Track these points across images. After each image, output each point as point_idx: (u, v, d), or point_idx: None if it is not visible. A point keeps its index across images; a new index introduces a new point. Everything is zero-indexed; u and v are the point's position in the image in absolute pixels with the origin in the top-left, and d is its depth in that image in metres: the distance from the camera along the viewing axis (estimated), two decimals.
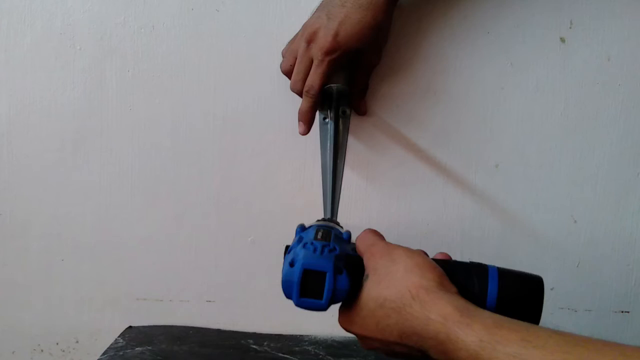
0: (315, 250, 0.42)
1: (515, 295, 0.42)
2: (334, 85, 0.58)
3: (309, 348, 0.63)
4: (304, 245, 0.44)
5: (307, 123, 0.57)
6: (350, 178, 0.64)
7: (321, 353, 0.62)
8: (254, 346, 0.64)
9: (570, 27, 0.61)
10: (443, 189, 0.64)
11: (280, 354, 0.62)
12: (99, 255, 0.68)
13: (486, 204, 0.64)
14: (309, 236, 0.46)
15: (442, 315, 0.35)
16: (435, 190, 0.64)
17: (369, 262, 0.43)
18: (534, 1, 0.61)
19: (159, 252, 0.68)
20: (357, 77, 0.59)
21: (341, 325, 0.45)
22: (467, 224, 0.65)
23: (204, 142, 0.65)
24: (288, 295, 0.42)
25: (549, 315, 0.65)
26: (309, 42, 0.54)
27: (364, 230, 0.48)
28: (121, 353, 0.61)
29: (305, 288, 0.41)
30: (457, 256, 0.65)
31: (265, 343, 0.65)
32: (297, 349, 0.63)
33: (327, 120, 0.61)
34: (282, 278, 0.42)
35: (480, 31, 0.61)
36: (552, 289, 0.65)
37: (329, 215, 0.64)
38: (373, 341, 0.41)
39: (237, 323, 0.69)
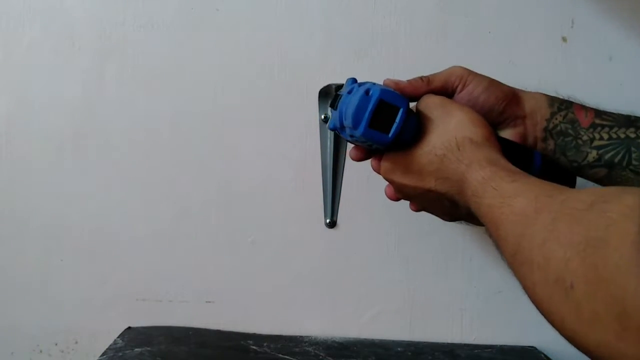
0: (388, 88, 0.43)
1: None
2: (333, 84, 0.58)
3: (309, 349, 0.63)
4: (375, 84, 0.43)
5: None
6: (351, 178, 0.64)
7: (321, 354, 0.62)
8: (254, 347, 0.63)
9: (571, 27, 0.61)
10: None
11: (280, 355, 0.61)
12: (99, 256, 0.68)
13: None
14: (372, 83, 0.45)
15: (471, 160, 0.38)
16: None
17: (425, 112, 0.44)
18: (536, 0, 0.61)
19: (158, 252, 0.68)
20: None
21: (383, 173, 0.46)
22: None
23: (204, 141, 0.65)
24: (356, 123, 0.41)
25: None
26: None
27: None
28: (120, 354, 0.60)
29: (375, 120, 0.41)
30: (458, 255, 0.65)
31: (265, 344, 0.64)
32: (297, 349, 0.63)
33: (327, 119, 0.61)
34: (354, 107, 0.41)
35: (482, 30, 0.61)
36: None
37: (329, 217, 0.64)
38: (409, 189, 0.44)
39: (236, 324, 0.68)
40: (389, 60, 0.62)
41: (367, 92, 0.41)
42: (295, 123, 0.63)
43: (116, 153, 0.66)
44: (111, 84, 0.64)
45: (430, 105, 0.45)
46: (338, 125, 0.45)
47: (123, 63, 0.64)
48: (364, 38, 0.62)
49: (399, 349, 0.64)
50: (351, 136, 0.43)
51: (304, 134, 0.63)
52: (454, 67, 0.48)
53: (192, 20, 0.63)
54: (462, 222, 0.45)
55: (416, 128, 0.43)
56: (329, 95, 0.59)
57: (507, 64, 0.61)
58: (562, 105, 0.49)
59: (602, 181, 0.49)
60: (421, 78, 0.48)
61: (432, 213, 0.47)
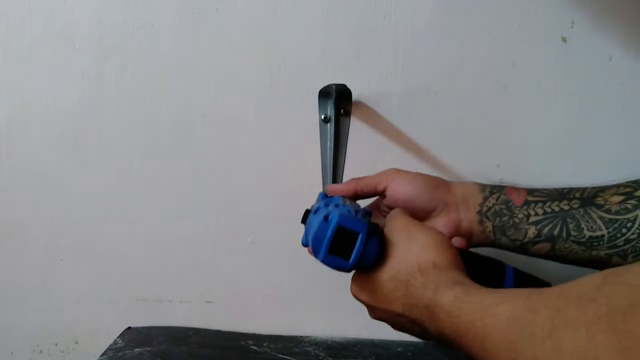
0: (349, 211, 0.42)
1: None
2: (333, 84, 0.58)
3: (309, 349, 0.63)
4: (337, 205, 0.43)
5: None
6: (350, 178, 0.64)
7: (321, 354, 0.62)
8: (254, 347, 0.64)
9: (571, 27, 0.61)
10: None
11: (280, 355, 0.61)
12: (99, 256, 0.68)
13: None
14: (338, 200, 0.45)
15: (437, 283, 0.37)
16: None
17: (389, 235, 0.44)
18: (536, 0, 0.61)
19: (159, 252, 0.68)
20: None
21: (352, 293, 0.46)
22: None
23: (204, 141, 0.65)
24: (316, 250, 0.41)
25: None
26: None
27: (393, 209, 0.49)
28: (120, 354, 0.60)
29: (334, 246, 0.40)
30: None
31: (265, 344, 0.64)
32: (297, 350, 0.63)
33: (327, 119, 0.61)
34: (313, 232, 0.41)
35: (482, 31, 0.61)
36: None
37: None
38: (379, 312, 0.43)
39: (236, 324, 0.68)
40: (389, 61, 0.62)
41: (326, 217, 0.41)
42: (295, 123, 0.63)
43: (116, 153, 0.66)
44: (111, 84, 0.64)
45: (394, 228, 0.44)
46: (306, 243, 0.45)
47: (123, 63, 0.64)
48: (364, 38, 0.62)
49: (399, 349, 0.64)
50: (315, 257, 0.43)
51: (304, 134, 0.63)
52: (387, 169, 0.53)
53: (192, 20, 0.63)
54: None
55: (379, 251, 0.42)
56: (329, 95, 0.59)
57: (507, 64, 0.61)
58: (493, 189, 0.51)
59: (548, 255, 0.48)
60: (353, 179, 0.53)
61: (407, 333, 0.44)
